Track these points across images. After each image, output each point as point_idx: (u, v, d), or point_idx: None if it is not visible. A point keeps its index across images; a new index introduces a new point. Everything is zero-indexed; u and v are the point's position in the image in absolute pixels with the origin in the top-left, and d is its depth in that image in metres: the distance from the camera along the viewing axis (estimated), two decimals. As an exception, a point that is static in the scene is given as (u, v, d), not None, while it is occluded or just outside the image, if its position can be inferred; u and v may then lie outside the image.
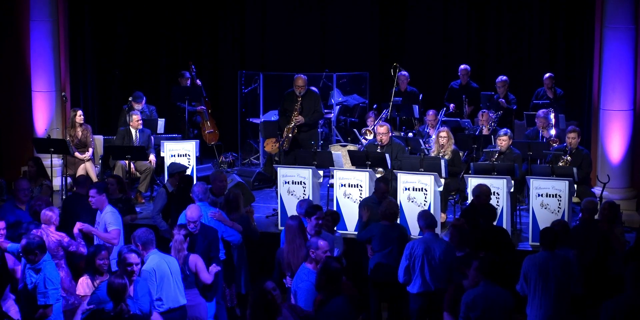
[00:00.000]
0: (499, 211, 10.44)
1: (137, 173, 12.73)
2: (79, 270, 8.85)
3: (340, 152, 12.35)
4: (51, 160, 12.49)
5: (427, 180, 10.94)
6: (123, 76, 15.69)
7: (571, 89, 14.61)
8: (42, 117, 13.69)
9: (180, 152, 12.76)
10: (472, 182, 10.91)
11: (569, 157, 11.50)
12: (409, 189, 11.00)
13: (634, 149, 12.20)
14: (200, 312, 8.34)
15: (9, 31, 13.80)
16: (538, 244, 10.35)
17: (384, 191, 10.10)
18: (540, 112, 12.80)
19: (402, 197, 11.00)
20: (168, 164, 12.10)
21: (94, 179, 12.92)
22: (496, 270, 7.62)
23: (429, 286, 8.73)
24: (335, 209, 11.07)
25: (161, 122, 14.21)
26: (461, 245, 8.88)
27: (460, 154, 12.22)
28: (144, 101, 13.88)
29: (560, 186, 10.63)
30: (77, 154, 12.87)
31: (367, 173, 11.15)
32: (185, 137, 13.89)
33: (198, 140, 13.22)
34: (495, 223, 9.90)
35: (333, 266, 7.23)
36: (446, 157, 11.74)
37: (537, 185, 10.75)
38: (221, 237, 9.30)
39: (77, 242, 9.03)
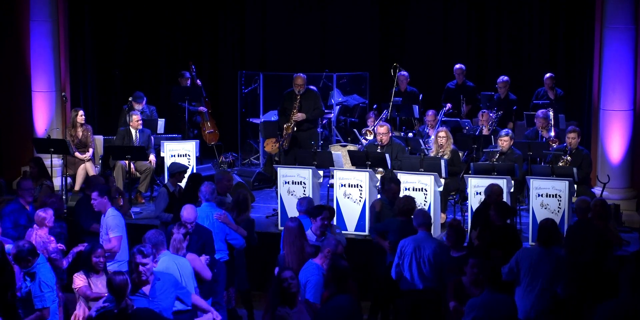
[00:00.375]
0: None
1: (137, 173, 12.73)
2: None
3: (340, 152, 12.35)
4: (51, 160, 12.49)
5: (427, 181, 10.94)
6: (123, 76, 15.66)
7: (571, 89, 14.61)
8: (42, 117, 13.69)
9: (180, 152, 12.76)
10: (472, 182, 10.93)
11: (569, 157, 11.50)
12: (409, 189, 11.00)
13: (634, 149, 12.20)
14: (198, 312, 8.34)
15: (9, 31, 13.80)
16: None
17: (395, 192, 10.05)
18: (540, 112, 12.80)
19: (402, 197, 11.01)
20: (168, 164, 12.11)
21: (94, 179, 12.93)
22: (498, 277, 7.60)
23: (416, 284, 8.72)
24: (334, 209, 11.05)
25: (161, 122, 14.22)
26: (458, 246, 8.89)
27: (460, 154, 12.22)
28: (144, 101, 13.88)
29: (560, 186, 10.64)
30: (77, 154, 12.87)
31: (367, 173, 11.15)
32: (185, 137, 13.90)
33: (198, 140, 13.24)
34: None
35: (341, 264, 7.30)
36: (445, 157, 11.74)
37: (537, 186, 10.75)
38: (225, 239, 9.30)
39: (59, 251, 8.91)
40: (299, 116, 12.75)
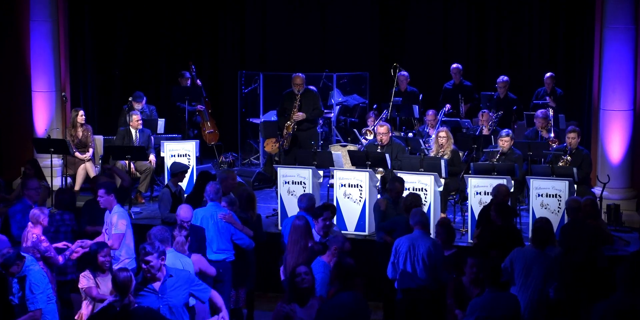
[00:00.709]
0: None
1: (137, 173, 12.73)
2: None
3: (340, 152, 12.35)
4: (51, 160, 12.50)
5: (427, 180, 10.95)
6: (123, 76, 15.70)
7: (571, 89, 14.61)
8: (42, 117, 13.69)
9: (180, 152, 12.77)
10: (472, 182, 10.93)
11: (569, 157, 11.50)
12: (409, 189, 10.99)
13: (634, 149, 12.20)
14: (200, 313, 8.32)
15: (9, 31, 13.80)
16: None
17: (399, 191, 10.06)
18: (539, 112, 12.80)
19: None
20: (169, 164, 12.11)
21: (94, 179, 12.94)
22: (499, 275, 7.58)
23: (411, 283, 8.71)
24: (335, 206, 11.01)
25: (161, 122, 14.22)
26: (448, 244, 8.93)
27: (460, 154, 12.21)
28: (144, 101, 13.88)
29: (560, 186, 10.64)
30: (77, 154, 12.88)
31: (367, 173, 11.15)
32: (185, 137, 13.90)
33: (198, 140, 13.24)
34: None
35: (346, 262, 7.32)
36: (445, 157, 11.74)
37: (537, 186, 10.75)
38: (230, 239, 9.29)
39: (52, 248, 8.87)
40: (299, 116, 12.76)
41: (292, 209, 11.13)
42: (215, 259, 9.09)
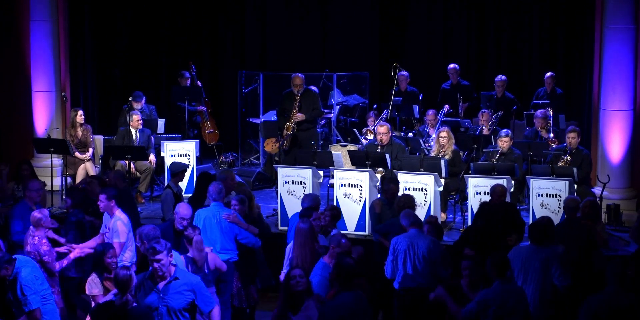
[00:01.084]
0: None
1: (137, 173, 12.73)
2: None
3: (340, 152, 12.35)
4: (51, 160, 12.50)
5: (427, 180, 10.95)
6: (123, 76, 15.69)
7: (571, 89, 14.61)
8: (42, 117, 13.69)
9: (180, 152, 12.78)
10: (472, 182, 10.93)
11: (569, 157, 11.50)
12: (409, 189, 11.00)
13: (634, 149, 12.20)
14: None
15: (9, 31, 13.80)
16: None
17: (394, 192, 10.09)
18: (539, 112, 12.80)
19: (402, 197, 11.01)
20: (169, 164, 12.11)
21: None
22: (506, 268, 7.63)
23: (411, 282, 8.71)
24: (338, 208, 11.02)
25: (161, 122, 14.22)
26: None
27: (461, 154, 12.22)
28: (143, 100, 13.88)
29: (560, 186, 10.65)
30: (77, 154, 12.87)
31: (367, 173, 11.15)
32: (185, 137, 13.90)
33: (198, 140, 13.25)
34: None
35: (346, 262, 7.30)
36: (446, 157, 11.74)
37: (537, 185, 10.76)
38: (234, 239, 9.29)
39: (52, 254, 8.85)
40: (299, 116, 12.75)
41: (292, 209, 11.13)
42: (218, 259, 9.09)
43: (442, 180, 11.20)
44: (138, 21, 15.96)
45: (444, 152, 11.90)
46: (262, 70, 15.31)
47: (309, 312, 7.06)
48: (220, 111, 15.96)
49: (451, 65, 14.77)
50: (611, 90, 12.13)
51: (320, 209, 9.68)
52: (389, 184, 10.20)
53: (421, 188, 10.96)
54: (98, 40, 15.20)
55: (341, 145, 13.53)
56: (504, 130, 11.96)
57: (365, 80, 15.40)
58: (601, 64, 12.32)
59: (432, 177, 10.93)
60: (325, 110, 14.38)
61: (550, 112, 12.90)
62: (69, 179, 12.92)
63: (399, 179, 11.05)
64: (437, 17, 15.94)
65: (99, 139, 13.71)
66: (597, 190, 11.85)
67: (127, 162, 12.28)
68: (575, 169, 10.98)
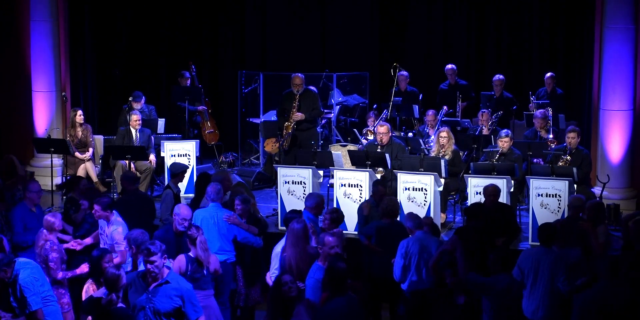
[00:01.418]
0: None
1: (137, 173, 12.69)
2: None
3: (340, 152, 12.35)
4: (51, 160, 12.50)
5: (427, 180, 10.95)
6: (123, 76, 15.69)
7: (571, 89, 14.61)
8: (42, 117, 13.69)
9: (180, 152, 12.78)
10: (472, 182, 10.93)
11: (568, 157, 11.49)
12: (409, 189, 11.01)
13: (634, 149, 12.20)
14: (211, 313, 8.33)
15: (9, 31, 13.81)
16: (538, 243, 10.43)
17: (382, 194, 10.11)
18: (538, 112, 12.79)
19: (402, 197, 11.01)
20: (169, 164, 12.11)
21: (94, 179, 12.93)
22: (510, 261, 7.91)
23: (424, 284, 8.72)
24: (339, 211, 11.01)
25: (161, 122, 14.22)
26: None
27: (460, 154, 12.22)
28: (143, 100, 13.88)
29: (560, 186, 10.64)
30: (77, 153, 12.87)
31: (367, 173, 11.15)
32: (185, 137, 13.90)
33: (198, 140, 13.25)
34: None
35: (338, 266, 7.25)
36: (446, 157, 11.74)
37: (537, 185, 10.76)
38: (234, 239, 9.29)
39: (59, 262, 8.85)
40: (299, 116, 12.76)
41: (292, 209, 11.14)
42: (215, 260, 9.08)
43: (442, 180, 11.20)
44: (138, 21, 15.96)
45: (444, 152, 11.90)
46: (262, 70, 15.31)
47: (300, 318, 7.04)
48: (220, 111, 15.96)
49: (448, 66, 14.77)
50: (611, 90, 12.14)
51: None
52: (377, 186, 10.24)
53: (421, 188, 10.96)
54: (98, 40, 15.20)
55: (341, 145, 13.53)
56: (503, 131, 11.95)
57: (365, 80, 15.40)
58: (601, 64, 12.33)
59: (432, 177, 10.93)
60: (325, 110, 14.38)
61: (550, 112, 12.90)
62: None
63: (399, 179, 11.08)
64: (437, 17, 15.94)
65: (99, 139, 13.71)
66: (597, 190, 11.85)
67: (127, 162, 12.27)
68: (575, 169, 10.97)
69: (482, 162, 11.58)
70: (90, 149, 13.08)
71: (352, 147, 13.31)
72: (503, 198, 10.65)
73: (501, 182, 10.72)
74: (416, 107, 14.22)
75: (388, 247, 9.26)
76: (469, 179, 11.00)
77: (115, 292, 7.10)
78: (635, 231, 8.78)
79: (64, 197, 10.64)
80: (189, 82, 14.76)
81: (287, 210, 11.13)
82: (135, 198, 10.34)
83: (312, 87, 13.52)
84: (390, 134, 12.01)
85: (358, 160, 11.76)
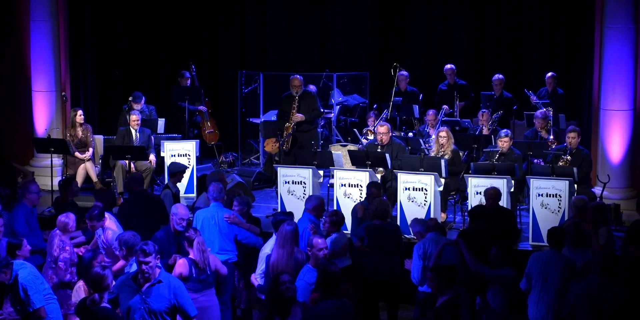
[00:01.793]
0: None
1: (137, 173, 12.73)
2: None
3: (340, 152, 12.35)
4: (51, 160, 12.49)
5: (427, 180, 10.95)
6: (123, 76, 15.69)
7: (571, 89, 14.61)
8: (42, 117, 13.69)
9: (180, 152, 12.78)
10: (472, 182, 10.93)
11: (568, 157, 11.49)
12: (409, 189, 11.00)
13: (634, 149, 12.20)
14: (215, 312, 8.35)
15: (9, 31, 13.81)
16: (538, 243, 10.45)
17: (376, 196, 10.07)
18: (539, 112, 12.78)
19: (402, 197, 11.01)
20: (168, 164, 12.11)
21: (94, 179, 12.93)
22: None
23: None
24: (335, 208, 11.03)
25: (161, 122, 14.22)
26: None
27: (460, 153, 12.21)
28: (143, 101, 13.88)
29: (561, 186, 10.63)
30: (77, 153, 12.87)
31: (367, 173, 11.15)
32: (185, 137, 13.90)
33: (198, 140, 13.25)
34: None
35: (331, 269, 7.22)
36: (446, 156, 11.74)
37: (537, 185, 10.75)
38: (235, 239, 9.28)
39: (68, 263, 8.86)
40: (298, 117, 12.76)
41: (292, 209, 11.12)
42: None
43: (442, 180, 11.20)
44: (138, 21, 15.96)
45: (444, 151, 11.90)
46: (262, 70, 15.31)
47: (297, 319, 7.04)
48: (220, 111, 15.97)
49: (447, 66, 14.77)
50: (611, 90, 12.14)
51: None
52: (371, 188, 10.19)
53: (421, 188, 10.96)
54: (98, 40, 15.20)
55: (341, 145, 13.53)
56: (503, 131, 11.95)
57: (365, 80, 15.40)
58: (601, 64, 12.33)
59: (432, 177, 10.93)
60: (325, 110, 14.38)
61: (551, 113, 12.90)
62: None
63: (399, 178, 11.08)
64: (437, 17, 15.93)
65: (99, 139, 13.71)
66: (597, 190, 11.85)
67: (127, 162, 12.27)
68: (575, 169, 10.97)
69: (482, 162, 11.58)
70: (90, 149, 13.07)
71: (352, 147, 13.31)
72: (503, 198, 10.64)
73: (501, 182, 10.72)
74: (416, 107, 14.22)
75: (379, 248, 9.25)
76: (469, 179, 11.00)
77: (99, 292, 7.11)
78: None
79: (60, 204, 10.60)
80: (189, 82, 14.76)
81: (287, 210, 11.15)
82: (141, 199, 10.27)
83: (311, 88, 13.51)
84: (391, 134, 12.00)
85: (358, 160, 11.76)
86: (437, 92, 14.81)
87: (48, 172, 12.86)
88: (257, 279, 8.72)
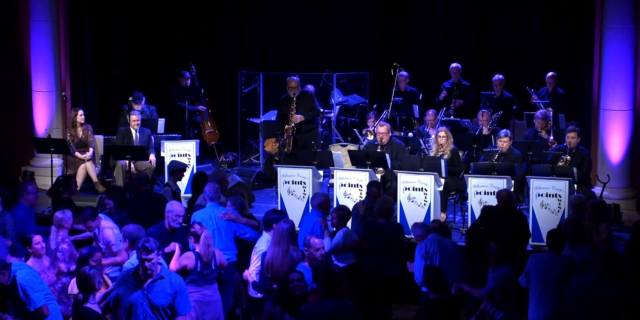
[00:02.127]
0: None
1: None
2: None
3: (340, 152, 12.35)
4: (51, 160, 12.49)
5: (427, 180, 10.95)
6: (123, 76, 15.69)
7: (571, 89, 14.61)
8: (42, 117, 13.69)
9: (180, 152, 12.78)
10: (472, 182, 10.93)
11: (568, 157, 11.49)
12: (409, 189, 11.00)
13: (634, 149, 12.20)
14: (218, 307, 8.40)
15: (9, 31, 13.80)
16: (538, 243, 10.44)
17: (376, 195, 10.08)
18: (539, 113, 12.78)
19: (402, 197, 11.01)
20: (168, 162, 12.12)
21: (94, 179, 12.94)
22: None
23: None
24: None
25: (161, 122, 14.22)
26: None
27: (460, 153, 12.22)
28: (143, 101, 13.88)
29: (560, 186, 10.63)
30: (77, 153, 12.88)
31: (367, 173, 11.15)
32: (185, 137, 13.91)
33: (198, 140, 13.25)
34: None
35: (332, 270, 7.22)
36: (445, 156, 11.75)
37: (537, 185, 10.75)
38: (234, 236, 9.29)
39: (67, 255, 8.86)
40: (298, 118, 12.75)
41: (293, 209, 11.15)
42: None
43: (442, 180, 11.20)
44: (138, 21, 15.96)
45: (443, 151, 11.91)
46: (262, 70, 15.31)
47: None
48: (220, 111, 15.97)
49: (453, 64, 14.76)
50: (611, 90, 12.14)
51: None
52: (372, 188, 10.22)
53: (421, 188, 10.96)
54: (98, 40, 15.20)
55: (341, 145, 13.53)
56: (503, 131, 11.95)
57: (365, 80, 15.40)
58: (601, 64, 12.33)
59: (432, 177, 10.93)
60: (325, 110, 14.38)
61: (551, 113, 12.89)
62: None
63: (399, 178, 11.08)
64: (437, 17, 15.94)
65: (99, 139, 13.71)
66: (597, 190, 11.85)
67: (127, 162, 12.27)
68: (575, 169, 10.97)
69: (482, 162, 11.58)
70: (91, 149, 13.08)
71: (352, 147, 13.31)
72: (511, 203, 10.59)
73: (501, 182, 10.73)
74: (416, 107, 14.22)
75: (380, 247, 9.26)
76: (469, 178, 11.00)
77: (84, 292, 7.14)
78: None
79: (58, 199, 10.60)
80: (189, 82, 14.77)
81: (287, 210, 11.16)
82: (147, 199, 10.27)
83: (308, 88, 13.50)
84: (390, 134, 12.01)
85: (358, 160, 11.76)
86: (440, 89, 14.80)
87: (48, 172, 12.85)
88: (251, 275, 8.71)
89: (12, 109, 13.93)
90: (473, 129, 13.32)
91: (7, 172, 12.62)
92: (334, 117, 14.85)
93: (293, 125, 12.76)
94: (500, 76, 14.29)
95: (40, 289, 7.72)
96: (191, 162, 12.70)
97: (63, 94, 13.86)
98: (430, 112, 13.50)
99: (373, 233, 9.30)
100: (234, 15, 16.42)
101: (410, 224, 10.50)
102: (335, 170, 11.39)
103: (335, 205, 11.17)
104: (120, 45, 15.79)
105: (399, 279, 9.30)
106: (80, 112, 13.14)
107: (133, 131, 12.83)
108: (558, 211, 10.59)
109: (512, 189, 10.91)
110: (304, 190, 11.25)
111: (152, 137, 13.10)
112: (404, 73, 14.48)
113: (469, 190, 10.98)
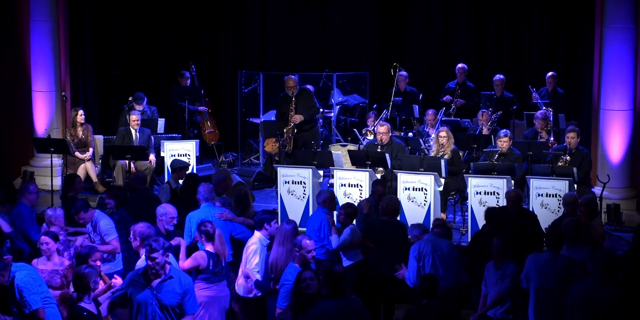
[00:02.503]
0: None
1: (137, 173, 12.72)
2: None
3: (340, 152, 12.36)
4: (51, 160, 12.49)
5: (427, 180, 10.95)
6: (123, 76, 15.69)
7: (571, 89, 14.61)
8: (42, 117, 13.70)
9: (180, 152, 12.78)
10: (472, 181, 10.93)
11: (568, 157, 11.49)
12: (409, 189, 11.01)
13: (634, 149, 12.20)
14: (226, 302, 8.46)
15: (9, 31, 13.80)
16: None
17: (381, 193, 10.12)
18: (539, 113, 12.78)
19: (402, 196, 11.00)
20: (170, 162, 12.13)
21: (94, 179, 12.94)
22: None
23: (442, 283, 8.69)
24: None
25: (161, 122, 14.22)
26: None
27: (460, 153, 12.22)
28: (144, 102, 13.88)
29: (560, 186, 10.64)
30: (77, 153, 12.88)
31: (367, 173, 11.15)
32: (185, 137, 13.91)
33: (198, 140, 13.26)
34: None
35: (336, 269, 7.21)
36: (446, 156, 11.75)
37: (537, 185, 10.75)
38: (231, 236, 9.29)
39: (64, 246, 8.83)
40: (297, 118, 12.75)
41: (293, 209, 11.15)
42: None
43: (442, 180, 11.20)
44: (138, 21, 15.96)
45: (443, 151, 11.91)
46: (262, 70, 15.31)
47: None
48: (220, 111, 15.97)
49: (460, 65, 14.76)
50: (611, 90, 12.14)
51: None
52: (376, 186, 10.28)
53: (421, 188, 10.96)
54: (98, 40, 15.21)
55: (341, 145, 13.54)
56: (502, 131, 11.95)
57: (365, 80, 15.40)
58: (601, 64, 12.33)
59: (432, 176, 10.93)
60: (325, 110, 14.38)
61: (551, 113, 12.89)
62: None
63: (399, 178, 11.08)
64: (437, 17, 15.93)
65: (99, 139, 13.72)
66: (597, 190, 11.85)
67: (127, 161, 12.28)
68: (575, 169, 10.97)
69: (482, 162, 11.58)
70: (91, 149, 13.08)
71: (352, 147, 13.32)
72: (503, 198, 10.65)
73: (501, 182, 10.73)
74: (416, 107, 14.22)
75: (382, 245, 9.28)
76: (469, 178, 11.00)
77: (78, 291, 7.14)
78: None
79: (63, 198, 10.61)
80: (189, 82, 14.77)
81: (287, 210, 11.17)
82: (144, 198, 10.27)
83: (307, 86, 13.50)
84: (390, 133, 12.01)
85: (358, 160, 11.77)
86: (444, 88, 14.81)
87: (48, 172, 12.87)
88: (253, 273, 8.66)
89: (12, 109, 13.93)
90: (473, 129, 13.32)
91: (1, 173, 12.61)
92: (334, 117, 14.85)
93: (293, 125, 12.76)
94: (501, 76, 14.29)
95: (37, 292, 7.65)
96: (191, 162, 12.69)
97: (63, 94, 13.86)
98: (430, 112, 13.50)
99: (377, 231, 9.30)
100: (234, 15, 16.42)
101: (410, 224, 10.52)
102: (335, 170, 11.39)
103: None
104: (120, 45, 15.79)
105: (402, 278, 9.29)
106: (81, 112, 13.15)
107: (133, 131, 12.84)
108: (558, 211, 10.59)
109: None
110: (304, 190, 11.25)
111: (152, 137, 13.11)
112: (404, 73, 14.48)
113: (469, 190, 10.99)
